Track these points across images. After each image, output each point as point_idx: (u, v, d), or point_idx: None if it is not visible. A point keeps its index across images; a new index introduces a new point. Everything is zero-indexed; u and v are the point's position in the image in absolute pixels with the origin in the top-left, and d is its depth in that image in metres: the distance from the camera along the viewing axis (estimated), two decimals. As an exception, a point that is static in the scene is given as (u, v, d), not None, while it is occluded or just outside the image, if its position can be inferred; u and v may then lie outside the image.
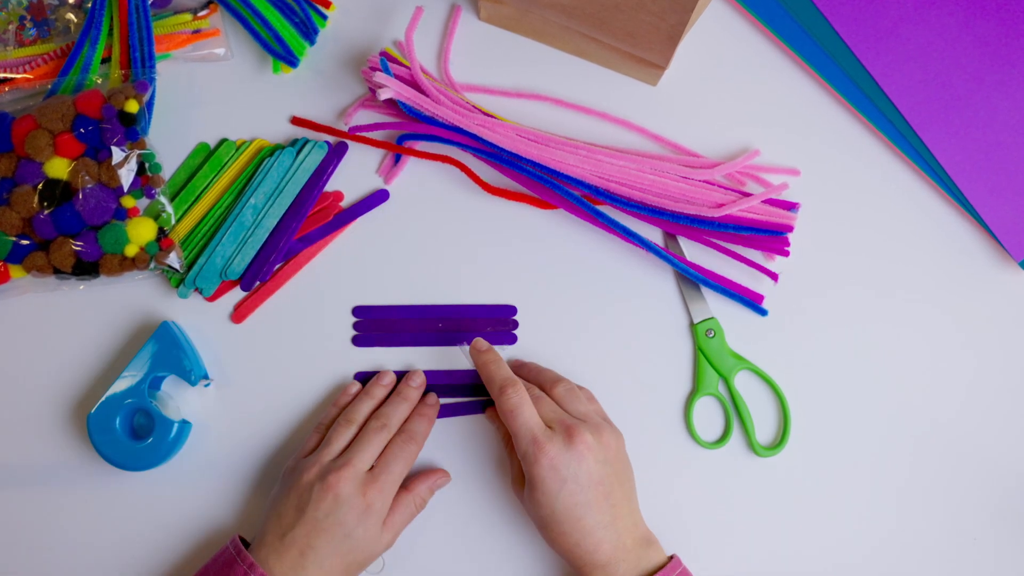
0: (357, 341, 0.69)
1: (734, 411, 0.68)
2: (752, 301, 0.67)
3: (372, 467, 0.62)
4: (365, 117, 0.71)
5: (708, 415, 0.68)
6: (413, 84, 0.69)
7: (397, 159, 0.70)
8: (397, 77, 0.69)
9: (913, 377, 0.68)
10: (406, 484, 0.64)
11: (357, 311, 0.69)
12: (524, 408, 0.60)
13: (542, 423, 0.60)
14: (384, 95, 0.66)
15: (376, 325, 0.69)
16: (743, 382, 0.68)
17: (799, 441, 0.67)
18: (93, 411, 0.65)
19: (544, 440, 0.58)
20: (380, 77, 0.67)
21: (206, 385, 0.68)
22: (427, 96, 0.68)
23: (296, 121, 0.71)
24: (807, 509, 0.67)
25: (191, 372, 0.66)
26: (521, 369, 0.67)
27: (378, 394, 0.67)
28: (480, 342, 0.65)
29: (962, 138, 0.69)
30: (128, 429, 0.66)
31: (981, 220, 0.69)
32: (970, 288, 0.69)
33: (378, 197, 0.70)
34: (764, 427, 0.68)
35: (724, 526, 0.67)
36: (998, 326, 0.69)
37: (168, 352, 0.66)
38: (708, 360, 0.68)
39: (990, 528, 0.67)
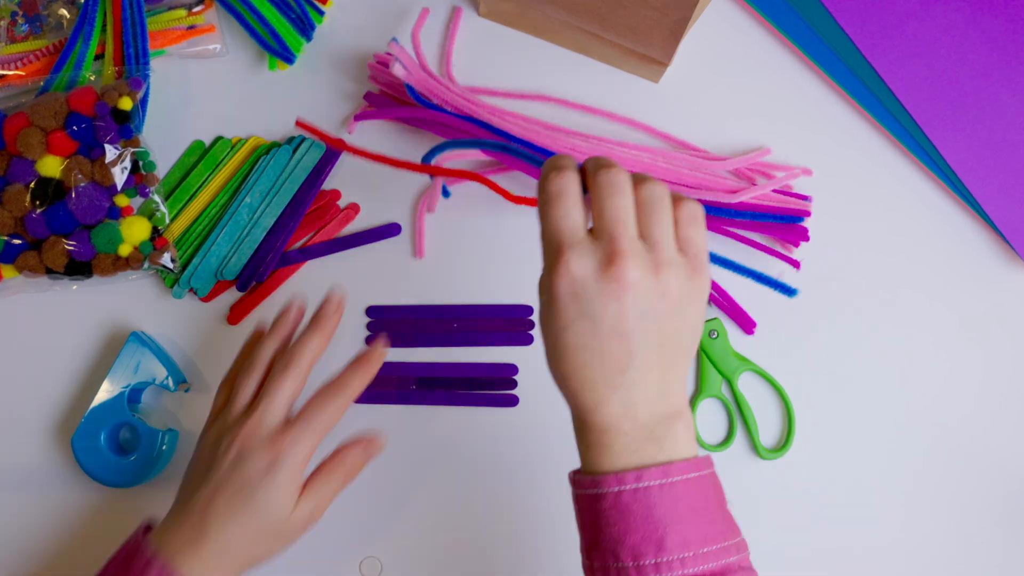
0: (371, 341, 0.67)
1: (737, 413, 0.67)
2: (779, 283, 0.67)
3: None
4: (367, 126, 0.70)
5: (711, 417, 0.67)
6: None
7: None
8: (397, 82, 0.68)
9: (919, 378, 0.68)
10: (334, 452, 0.56)
11: (371, 311, 0.68)
12: (564, 198, 0.44)
13: (579, 228, 0.44)
14: (398, 71, 0.65)
15: (390, 326, 0.67)
16: (747, 383, 0.67)
17: (803, 443, 0.67)
18: (75, 432, 0.64)
19: (570, 251, 0.43)
20: (398, 61, 0.65)
21: (186, 391, 0.67)
22: (436, 82, 0.67)
23: (300, 123, 0.69)
24: (811, 512, 0.66)
25: (168, 379, 0.65)
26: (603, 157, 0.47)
27: (282, 332, 0.58)
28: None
29: (969, 136, 0.68)
30: (114, 446, 0.65)
31: (988, 219, 0.68)
32: (978, 288, 0.68)
33: (389, 229, 0.69)
34: (768, 429, 0.67)
35: (727, 530, 0.66)
36: (1006, 327, 0.68)
37: (141, 363, 0.65)
38: (711, 361, 0.67)
39: (998, 531, 0.66)
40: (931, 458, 0.67)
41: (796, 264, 0.67)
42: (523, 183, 0.69)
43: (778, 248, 0.68)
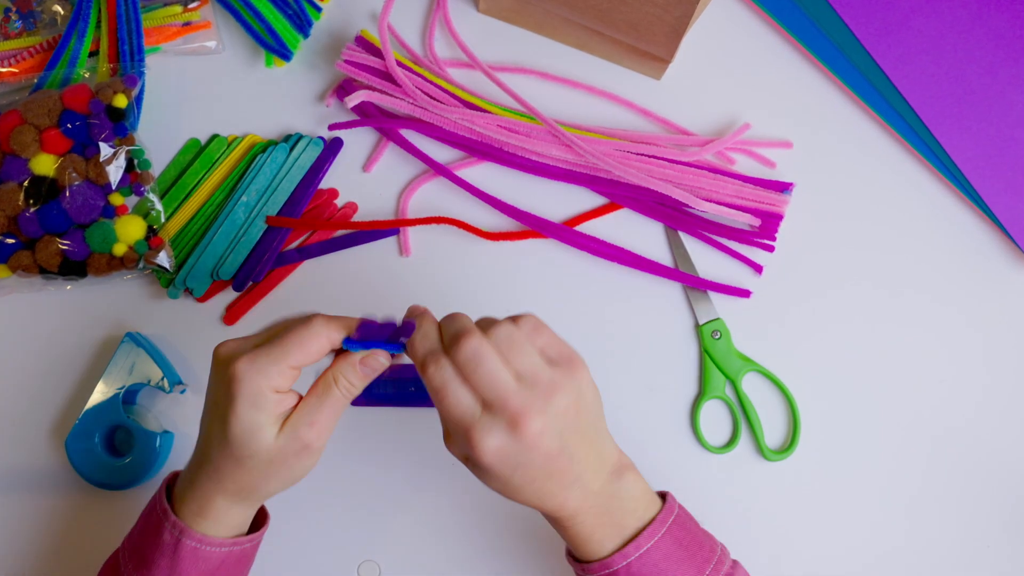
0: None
1: (742, 414, 0.66)
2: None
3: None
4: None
5: (715, 419, 0.67)
6: (388, 76, 0.68)
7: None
8: (371, 68, 0.68)
9: (925, 378, 0.67)
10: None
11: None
12: (449, 388, 0.47)
13: (473, 407, 0.47)
14: (352, 102, 0.66)
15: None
16: (751, 384, 0.67)
17: (809, 445, 0.66)
18: (69, 434, 0.63)
19: (477, 432, 0.47)
20: (350, 98, 0.66)
21: (182, 392, 0.66)
22: (402, 90, 0.67)
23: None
24: (817, 514, 0.66)
25: (163, 380, 0.64)
26: (453, 321, 0.51)
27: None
28: (416, 306, 0.52)
29: (975, 133, 0.68)
30: (109, 447, 0.64)
31: (995, 218, 0.67)
32: (984, 287, 0.68)
33: (388, 229, 0.68)
34: (773, 430, 0.67)
35: (731, 532, 0.65)
36: (1012, 327, 0.68)
37: (136, 364, 0.64)
38: (714, 362, 0.66)
39: (1003, 534, 0.66)
40: (937, 459, 0.66)
41: (759, 268, 0.67)
42: (494, 216, 0.68)
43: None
